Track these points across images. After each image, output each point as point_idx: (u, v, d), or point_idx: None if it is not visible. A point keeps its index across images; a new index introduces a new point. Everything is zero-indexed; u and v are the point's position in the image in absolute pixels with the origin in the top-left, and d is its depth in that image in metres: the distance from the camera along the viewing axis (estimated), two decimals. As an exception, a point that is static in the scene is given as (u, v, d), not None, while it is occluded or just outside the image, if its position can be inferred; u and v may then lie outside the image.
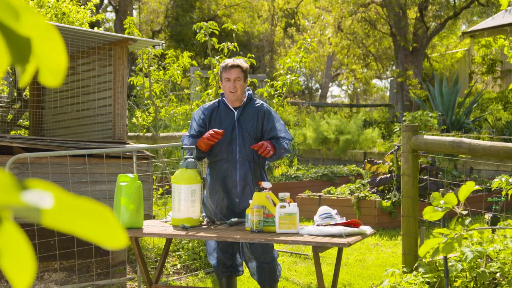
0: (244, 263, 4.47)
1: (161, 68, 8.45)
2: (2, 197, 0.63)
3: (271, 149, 3.99)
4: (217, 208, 4.13)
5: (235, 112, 4.12)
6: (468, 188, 1.86)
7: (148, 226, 3.92)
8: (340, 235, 3.45)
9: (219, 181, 4.11)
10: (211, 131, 3.97)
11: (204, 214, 4.12)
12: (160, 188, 7.25)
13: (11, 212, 0.64)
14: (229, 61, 4.10)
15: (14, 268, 0.64)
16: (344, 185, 8.47)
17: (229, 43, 6.80)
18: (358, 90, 31.52)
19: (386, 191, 7.87)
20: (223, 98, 4.18)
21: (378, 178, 7.87)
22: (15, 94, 8.03)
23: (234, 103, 4.14)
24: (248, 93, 4.18)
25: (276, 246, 6.28)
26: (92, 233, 0.65)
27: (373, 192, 7.86)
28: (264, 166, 4.23)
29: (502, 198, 5.62)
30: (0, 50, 0.66)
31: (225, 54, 6.87)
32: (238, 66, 4.06)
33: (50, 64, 0.68)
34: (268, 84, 6.76)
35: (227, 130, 4.09)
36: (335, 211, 3.81)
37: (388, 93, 22.82)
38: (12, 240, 0.64)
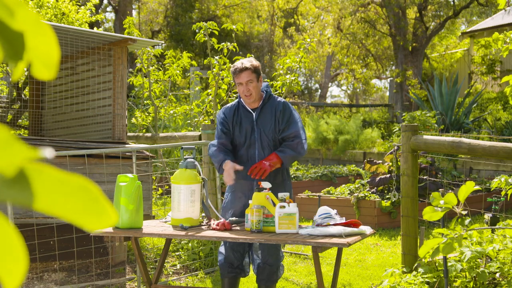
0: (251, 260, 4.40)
1: (161, 68, 8.46)
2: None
3: (267, 168, 3.84)
4: (231, 209, 4.08)
5: (253, 114, 4.04)
6: (468, 188, 1.86)
7: (148, 226, 3.92)
8: (339, 235, 3.45)
9: (238, 183, 4.02)
10: (226, 174, 3.84)
11: (203, 214, 4.12)
12: (159, 188, 7.25)
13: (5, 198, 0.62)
14: (238, 65, 3.96)
15: (4, 266, 0.63)
16: (343, 185, 8.48)
17: (228, 43, 6.80)
18: (358, 90, 31.54)
19: (385, 191, 7.87)
20: (241, 99, 4.08)
21: (378, 178, 7.88)
22: (15, 94, 8.04)
23: (252, 104, 4.04)
24: (267, 91, 4.08)
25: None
26: (77, 213, 0.62)
27: (372, 192, 7.86)
28: (286, 168, 4.11)
29: (501, 198, 5.62)
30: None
31: (225, 54, 6.88)
32: (247, 68, 3.93)
33: (43, 57, 0.69)
34: (268, 84, 6.76)
35: (246, 133, 4.02)
36: (335, 211, 3.81)
37: (387, 93, 22.83)
38: (4, 235, 0.62)
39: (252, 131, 4.02)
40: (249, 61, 4.01)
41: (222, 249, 4.24)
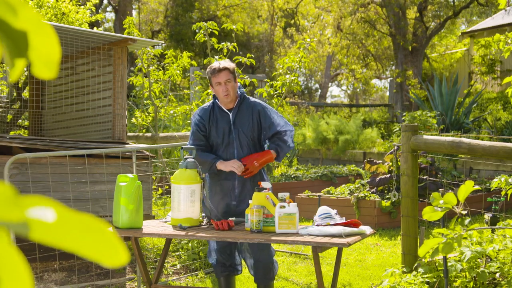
0: (243, 261, 4.47)
1: (161, 68, 8.46)
2: (4, 213, 0.62)
3: (255, 171, 3.99)
4: (213, 209, 4.13)
5: (230, 115, 4.10)
6: (467, 187, 1.86)
7: (148, 226, 3.92)
8: (339, 235, 3.45)
9: (218, 183, 4.10)
10: (236, 166, 3.96)
11: (203, 214, 4.12)
12: (159, 188, 7.25)
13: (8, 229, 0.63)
14: (216, 65, 4.04)
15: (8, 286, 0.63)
16: (343, 185, 8.47)
17: (228, 43, 6.80)
18: (358, 90, 31.54)
19: (385, 191, 7.87)
20: (216, 100, 4.15)
21: (378, 178, 7.88)
22: (15, 94, 8.04)
23: (228, 105, 4.10)
24: (240, 91, 4.15)
25: (276, 246, 6.28)
26: (91, 251, 0.64)
27: (372, 192, 7.86)
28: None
29: (501, 198, 5.62)
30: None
31: (225, 54, 6.87)
32: (225, 68, 4.01)
33: (44, 56, 0.69)
34: (268, 84, 6.77)
35: (223, 133, 4.08)
36: (335, 211, 3.82)
37: (387, 93, 22.83)
38: (9, 260, 0.63)
39: (229, 131, 4.08)
40: (226, 62, 4.10)
41: (209, 253, 4.32)
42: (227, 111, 4.10)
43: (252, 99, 4.16)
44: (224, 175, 4.06)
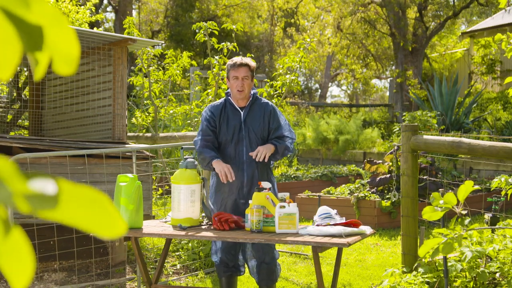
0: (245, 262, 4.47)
1: (161, 68, 8.46)
2: (10, 186, 0.62)
3: (267, 152, 3.98)
4: (221, 208, 4.11)
5: (242, 113, 4.11)
6: (467, 187, 1.86)
7: (148, 226, 3.92)
8: (339, 235, 3.45)
9: (227, 182, 4.06)
10: (226, 170, 3.89)
11: (204, 214, 4.12)
12: (159, 188, 7.25)
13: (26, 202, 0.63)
14: (238, 59, 4.09)
15: (12, 268, 0.63)
16: (343, 185, 8.47)
17: (228, 43, 6.80)
18: (358, 90, 31.53)
19: (385, 191, 7.87)
20: (229, 97, 4.17)
21: (378, 178, 7.87)
22: (15, 94, 8.03)
23: (240, 103, 4.12)
24: (254, 92, 4.18)
25: (276, 246, 6.28)
26: (89, 222, 0.64)
27: (372, 192, 7.85)
28: (270, 166, 4.22)
29: (501, 198, 5.62)
30: (12, 40, 0.65)
31: (225, 54, 6.88)
32: (246, 64, 4.06)
33: (63, 52, 0.68)
34: (268, 84, 6.77)
35: (234, 130, 4.08)
36: (335, 211, 3.82)
37: (387, 93, 22.83)
38: (11, 239, 0.63)
39: (240, 129, 4.09)
40: (248, 59, 4.16)
41: (213, 252, 4.32)
42: (238, 109, 4.12)
43: (264, 100, 4.20)
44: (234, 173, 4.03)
